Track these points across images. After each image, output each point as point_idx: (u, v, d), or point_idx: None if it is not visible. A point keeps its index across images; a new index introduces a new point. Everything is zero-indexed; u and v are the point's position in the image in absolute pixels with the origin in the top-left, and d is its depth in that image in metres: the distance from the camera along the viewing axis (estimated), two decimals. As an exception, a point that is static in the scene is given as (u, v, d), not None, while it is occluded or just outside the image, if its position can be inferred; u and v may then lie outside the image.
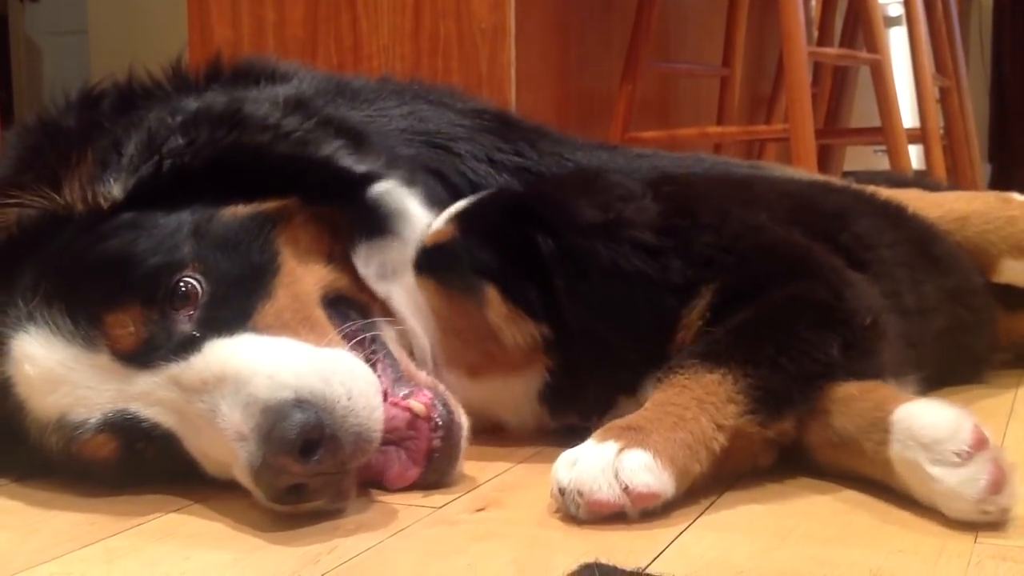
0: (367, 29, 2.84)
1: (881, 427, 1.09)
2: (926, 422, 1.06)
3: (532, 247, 1.28)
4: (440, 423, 1.19)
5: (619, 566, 0.95)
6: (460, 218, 1.35)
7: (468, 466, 1.25)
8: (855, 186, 1.75)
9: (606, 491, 1.05)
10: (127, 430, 1.15)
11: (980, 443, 1.03)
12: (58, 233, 1.22)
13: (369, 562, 1.01)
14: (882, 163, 4.07)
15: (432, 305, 1.31)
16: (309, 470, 1.05)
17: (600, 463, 1.06)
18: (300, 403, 1.06)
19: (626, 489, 1.05)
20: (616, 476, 1.05)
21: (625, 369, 1.27)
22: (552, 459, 1.10)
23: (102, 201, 1.24)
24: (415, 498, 1.17)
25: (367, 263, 1.32)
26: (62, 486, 1.23)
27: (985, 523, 1.03)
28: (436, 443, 1.19)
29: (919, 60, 3.46)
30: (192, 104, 1.38)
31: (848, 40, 4.15)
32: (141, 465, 1.18)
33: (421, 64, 2.77)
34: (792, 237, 1.37)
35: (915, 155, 3.36)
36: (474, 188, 1.52)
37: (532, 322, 1.28)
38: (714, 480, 1.13)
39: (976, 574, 0.94)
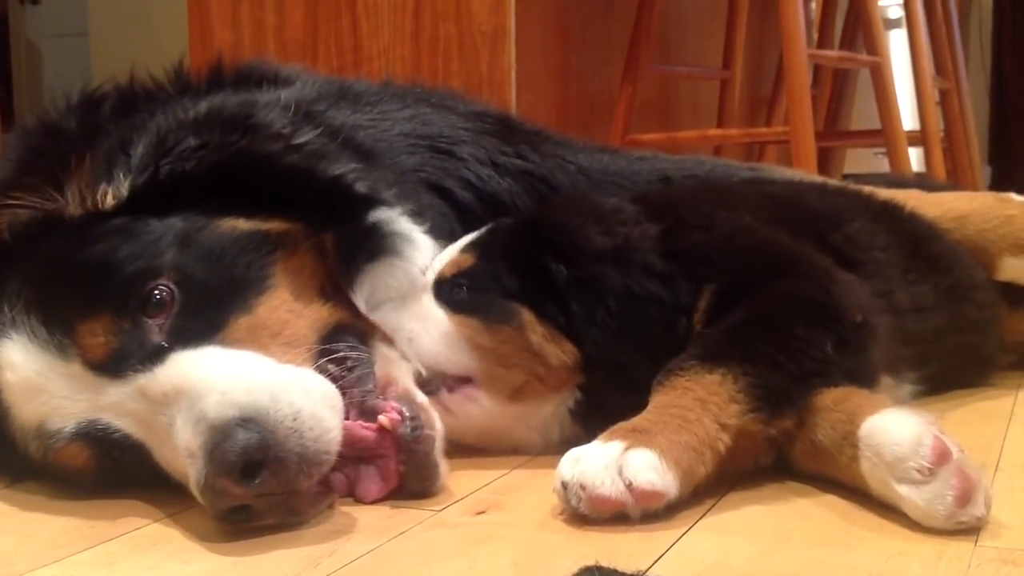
0: (367, 31, 2.84)
1: (851, 441, 1.10)
2: (888, 439, 1.06)
3: (546, 273, 1.29)
4: (406, 438, 1.16)
5: (620, 569, 0.94)
6: (475, 247, 1.35)
7: (468, 469, 1.25)
8: (852, 187, 1.75)
9: (609, 486, 1.05)
10: (100, 440, 1.14)
11: (942, 457, 1.02)
12: (49, 237, 1.20)
13: (369, 565, 1.01)
14: (882, 166, 4.07)
15: (468, 336, 1.28)
16: (251, 492, 1.03)
17: (605, 460, 1.06)
18: (245, 422, 1.04)
19: (629, 486, 1.05)
20: (620, 473, 1.05)
21: (642, 385, 1.24)
22: (553, 464, 1.10)
23: (107, 202, 1.22)
24: (415, 501, 1.17)
25: (369, 294, 1.28)
26: (59, 490, 1.22)
27: (974, 529, 1.03)
28: (402, 459, 1.16)
29: (919, 62, 3.47)
30: (203, 105, 1.36)
31: (848, 43, 4.16)
32: (119, 472, 1.17)
33: (421, 66, 2.77)
34: (779, 237, 1.38)
35: (915, 157, 3.36)
36: (478, 194, 1.52)
37: (567, 340, 1.27)
38: (717, 480, 1.13)
39: (976, 577, 0.94)
